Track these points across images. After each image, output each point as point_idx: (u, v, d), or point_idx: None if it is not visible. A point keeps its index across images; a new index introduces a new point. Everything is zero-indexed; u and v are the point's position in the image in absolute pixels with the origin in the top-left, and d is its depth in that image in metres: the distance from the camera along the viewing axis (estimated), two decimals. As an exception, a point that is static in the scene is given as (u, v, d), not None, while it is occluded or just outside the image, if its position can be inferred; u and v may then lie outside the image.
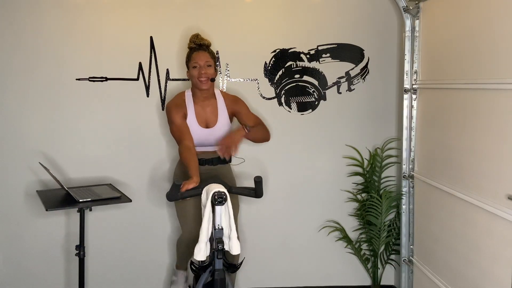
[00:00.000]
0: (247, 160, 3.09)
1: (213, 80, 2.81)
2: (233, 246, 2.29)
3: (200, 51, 2.78)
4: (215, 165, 2.89)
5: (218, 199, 2.26)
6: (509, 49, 2.07)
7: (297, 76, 3.36)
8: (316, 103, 3.39)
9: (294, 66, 3.35)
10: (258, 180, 2.37)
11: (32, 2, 3.12)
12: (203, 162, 2.86)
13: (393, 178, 3.41)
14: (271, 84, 3.35)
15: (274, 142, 3.33)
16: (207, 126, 2.83)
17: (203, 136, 2.80)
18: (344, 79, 3.39)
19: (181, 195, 2.37)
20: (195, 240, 2.53)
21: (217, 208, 2.29)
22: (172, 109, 2.79)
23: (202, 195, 2.39)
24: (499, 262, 2.14)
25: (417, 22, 3.01)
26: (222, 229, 2.30)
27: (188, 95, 2.85)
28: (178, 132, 2.73)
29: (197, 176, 2.45)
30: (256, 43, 3.30)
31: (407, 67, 3.10)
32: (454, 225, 2.53)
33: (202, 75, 2.74)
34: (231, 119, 2.90)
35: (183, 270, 3.03)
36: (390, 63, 3.40)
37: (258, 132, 2.90)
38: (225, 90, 3.26)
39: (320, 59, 3.35)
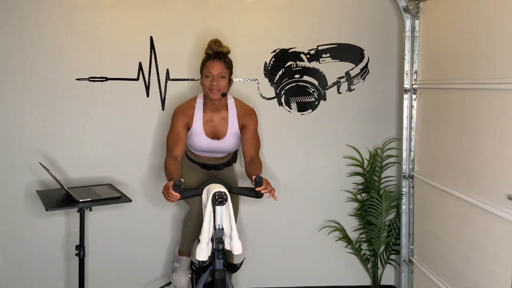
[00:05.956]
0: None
1: (224, 95, 2.63)
2: (235, 246, 2.29)
3: (215, 60, 2.59)
4: (221, 169, 2.89)
5: (218, 199, 2.27)
6: (509, 49, 2.07)
7: (297, 76, 3.36)
8: (316, 103, 3.39)
9: (294, 66, 3.35)
10: (258, 180, 2.37)
11: (32, 2, 3.12)
12: (209, 167, 2.85)
13: (393, 178, 3.41)
14: (271, 84, 3.35)
15: (274, 142, 3.34)
16: (215, 137, 2.72)
17: (209, 146, 2.73)
18: (344, 79, 3.39)
19: (181, 195, 2.37)
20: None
21: (218, 208, 2.29)
22: (178, 115, 2.68)
23: (203, 195, 2.39)
24: (499, 262, 2.14)
25: (417, 22, 3.01)
26: (222, 229, 2.31)
27: (199, 103, 2.71)
28: (172, 140, 2.63)
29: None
30: (256, 43, 3.30)
31: (407, 67, 3.10)
32: (454, 225, 2.53)
33: (214, 87, 2.57)
34: (241, 131, 2.74)
35: (186, 256, 2.94)
36: (390, 63, 3.40)
37: (259, 167, 2.62)
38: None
39: (320, 59, 3.35)
